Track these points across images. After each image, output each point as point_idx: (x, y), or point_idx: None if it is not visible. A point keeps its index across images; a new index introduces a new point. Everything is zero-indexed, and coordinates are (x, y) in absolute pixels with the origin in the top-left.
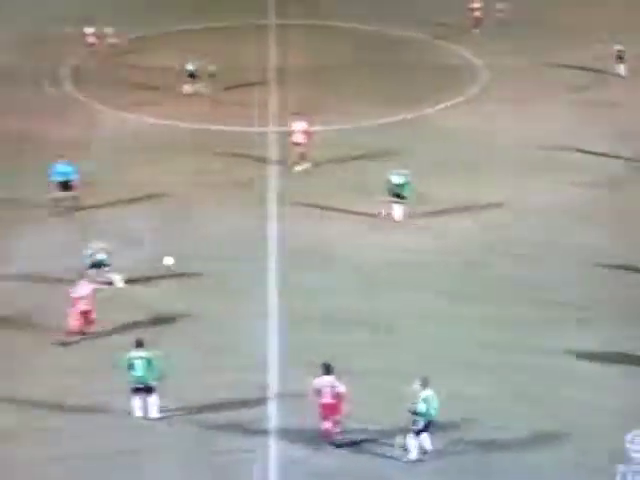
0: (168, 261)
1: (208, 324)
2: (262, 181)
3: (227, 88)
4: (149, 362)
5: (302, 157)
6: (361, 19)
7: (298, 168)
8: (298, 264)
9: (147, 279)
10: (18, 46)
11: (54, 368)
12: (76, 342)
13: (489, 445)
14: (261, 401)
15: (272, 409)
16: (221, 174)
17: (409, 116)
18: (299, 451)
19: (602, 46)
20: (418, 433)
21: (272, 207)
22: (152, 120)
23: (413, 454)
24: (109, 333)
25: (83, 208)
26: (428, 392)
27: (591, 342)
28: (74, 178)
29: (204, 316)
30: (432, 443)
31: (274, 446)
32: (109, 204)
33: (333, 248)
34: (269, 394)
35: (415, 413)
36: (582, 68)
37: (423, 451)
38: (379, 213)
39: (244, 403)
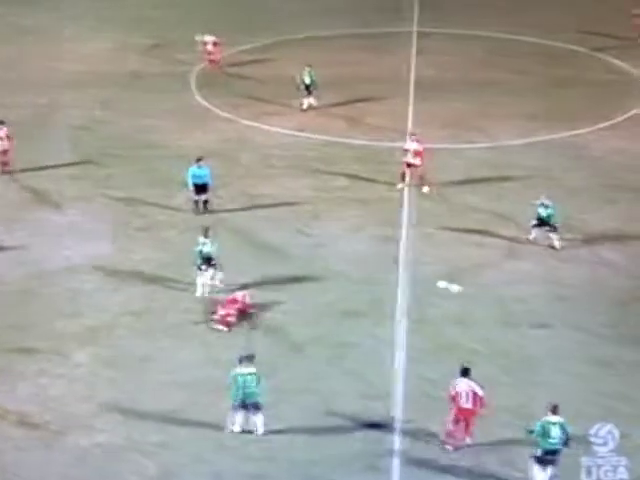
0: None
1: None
2: (393, 201)
3: (361, 100)
4: (258, 379)
5: (421, 179)
6: (510, 28)
7: (425, 190)
8: (430, 290)
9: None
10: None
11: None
12: None
13: None
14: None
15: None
16: (349, 190)
17: (555, 136)
18: None
19: None
20: (543, 462)
21: (404, 230)
22: (287, 131)
23: None
24: None
25: (213, 211)
26: (558, 418)
27: None
28: (209, 181)
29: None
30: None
31: None
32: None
33: (471, 275)
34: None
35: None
36: None
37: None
38: (528, 239)
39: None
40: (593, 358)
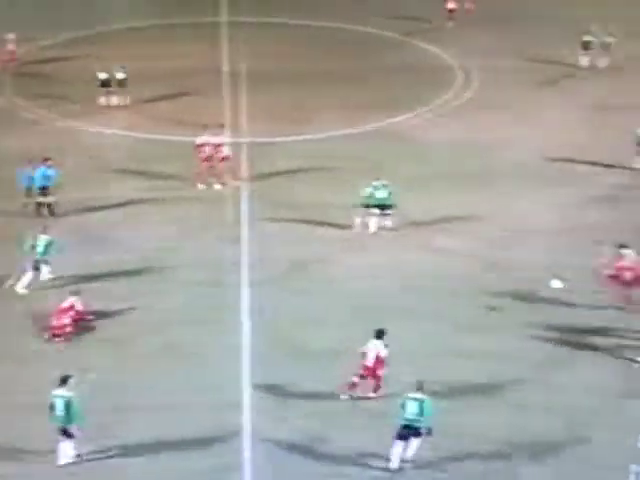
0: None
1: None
2: (226, 199)
3: (178, 95)
4: (67, 403)
5: (223, 175)
6: (323, 15)
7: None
8: (277, 289)
9: None
10: None
11: None
12: None
13: None
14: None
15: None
16: (180, 189)
17: (378, 125)
18: None
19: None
20: (399, 437)
21: (238, 228)
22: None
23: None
24: None
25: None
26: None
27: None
28: (51, 184)
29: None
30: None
31: None
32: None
33: (315, 271)
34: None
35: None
36: (550, 62)
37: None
38: (355, 226)
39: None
40: (446, 348)
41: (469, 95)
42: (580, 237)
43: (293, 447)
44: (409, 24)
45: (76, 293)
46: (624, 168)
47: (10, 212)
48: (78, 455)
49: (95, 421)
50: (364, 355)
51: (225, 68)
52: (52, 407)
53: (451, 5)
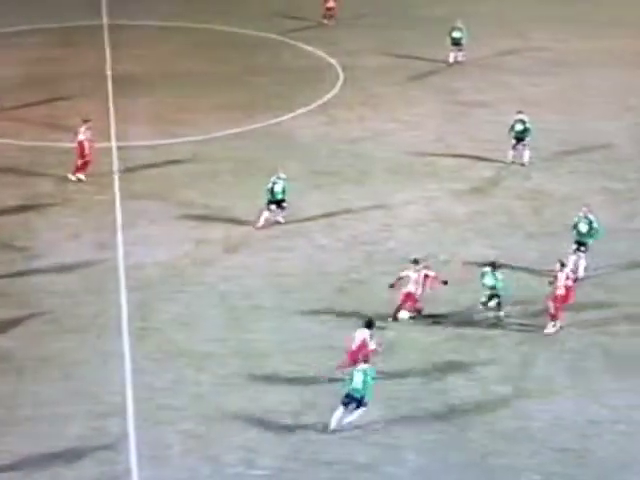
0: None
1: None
2: (105, 204)
3: (58, 99)
4: None
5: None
6: (203, 18)
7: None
8: (155, 293)
9: None
10: None
11: None
12: None
13: None
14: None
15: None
16: (58, 196)
17: (259, 125)
18: None
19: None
20: (343, 403)
21: (114, 232)
22: None
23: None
24: None
25: None
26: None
27: None
28: None
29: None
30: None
31: None
32: None
33: (193, 274)
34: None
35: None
36: (420, 59)
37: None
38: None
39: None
40: (320, 344)
41: (345, 93)
42: (450, 230)
43: (178, 451)
44: (288, 24)
45: None
46: (491, 161)
47: None
48: None
49: None
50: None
51: (107, 71)
52: None
53: (330, 4)
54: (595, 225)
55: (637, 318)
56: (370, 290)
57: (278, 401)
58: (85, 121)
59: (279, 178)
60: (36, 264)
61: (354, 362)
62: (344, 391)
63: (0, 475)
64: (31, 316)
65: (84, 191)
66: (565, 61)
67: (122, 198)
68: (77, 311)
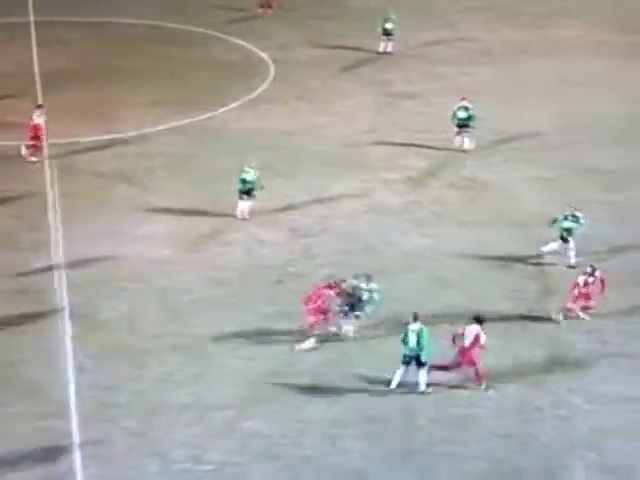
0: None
1: None
2: (39, 201)
3: None
4: None
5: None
6: (132, 13)
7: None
8: (95, 290)
9: None
10: None
11: None
12: None
13: None
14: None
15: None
16: None
17: (190, 120)
18: None
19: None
20: (403, 363)
21: (49, 230)
22: None
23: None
24: None
25: None
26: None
27: None
28: None
29: None
30: None
31: None
32: None
33: (132, 271)
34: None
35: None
36: (352, 49)
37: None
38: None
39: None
40: (260, 338)
41: (277, 87)
42: (386, 221)
43: (123, 448)
44: (220, 18)
45: None
46: (425, 150)
47: None
48: None
49: None
50: (461, 338)
51: (34, 68)
52: None
53: None
54: (582, 221)
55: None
56: (308, 283)
57: (221, 395)
58: (38, 106)
59: (250, 167)
60: None
61: (467, 362)
62: (402, 352)
63: None
64: None
65: (17, 189)
66: (496, 51)
67: (57, 196)
68: (18, 311)
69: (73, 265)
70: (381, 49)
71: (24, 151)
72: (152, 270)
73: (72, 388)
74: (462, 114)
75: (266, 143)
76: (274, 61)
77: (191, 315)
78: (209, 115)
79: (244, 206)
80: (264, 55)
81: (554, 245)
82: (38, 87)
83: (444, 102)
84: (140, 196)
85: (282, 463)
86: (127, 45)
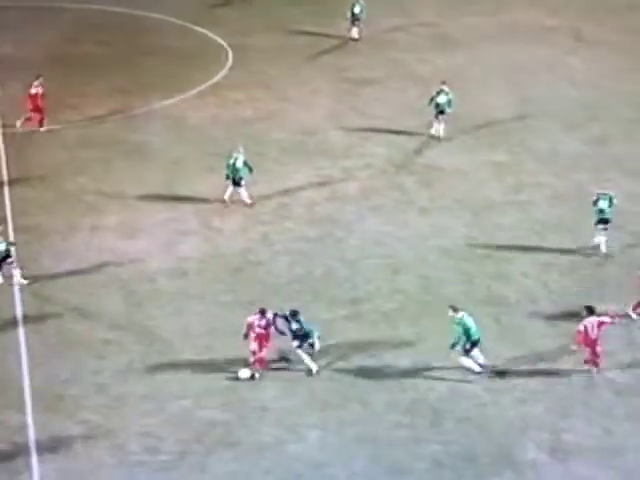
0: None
1: None
2: None
3: None
4: None
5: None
6: None
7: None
8: (50, 283)
9: None
10: None
11: None
12: None
13: None
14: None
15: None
16: None
17: (148, 108)
18: None
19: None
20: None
21: (2, 223)
22: None
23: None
24: None
25: None
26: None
27: None
28: None
29: None
30: None
31: None
32: None
33: (91, 262)
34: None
35: None
36: (317, 35)
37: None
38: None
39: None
40: (220, 326)
41: (235, 74)
42: (345, 208)
43: (80, 441)
44: (177, 4)
45: None
46: (383, 137)
47: None
48: None
49: None
50: (584, 329)
51: None
52: None
53: None
54: (615, 201)
55: (521, 291)
56: (268, 271)
57: (180, 386)
58: (38, 76)
59: (239, 153)
60: None
61: (592, 352)
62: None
63: None
64: None
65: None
66: (453, 37)
67: (10, 185)
68: None
69: (28, 256)
70: (355, 35)
71: (19, 124)
72: (110, 261)
73: (27, 381)
74: (442, 98)
75: (224, 131)
76: (232, 48)
77: (151, 306)
78: (166, 103)
79: (243, 194)
80: (222, 42)
81: (602, 238)
82: None
83: (403, 88)
84: (95, 185)
85: (240, 450)
86: (82, 31)
